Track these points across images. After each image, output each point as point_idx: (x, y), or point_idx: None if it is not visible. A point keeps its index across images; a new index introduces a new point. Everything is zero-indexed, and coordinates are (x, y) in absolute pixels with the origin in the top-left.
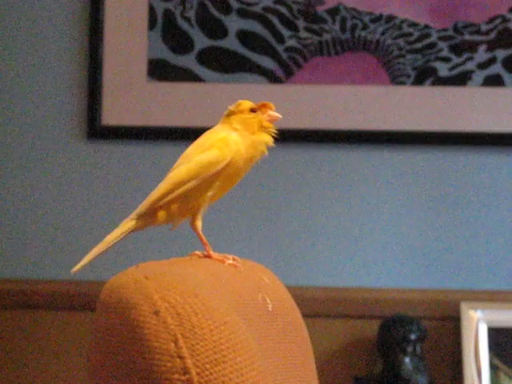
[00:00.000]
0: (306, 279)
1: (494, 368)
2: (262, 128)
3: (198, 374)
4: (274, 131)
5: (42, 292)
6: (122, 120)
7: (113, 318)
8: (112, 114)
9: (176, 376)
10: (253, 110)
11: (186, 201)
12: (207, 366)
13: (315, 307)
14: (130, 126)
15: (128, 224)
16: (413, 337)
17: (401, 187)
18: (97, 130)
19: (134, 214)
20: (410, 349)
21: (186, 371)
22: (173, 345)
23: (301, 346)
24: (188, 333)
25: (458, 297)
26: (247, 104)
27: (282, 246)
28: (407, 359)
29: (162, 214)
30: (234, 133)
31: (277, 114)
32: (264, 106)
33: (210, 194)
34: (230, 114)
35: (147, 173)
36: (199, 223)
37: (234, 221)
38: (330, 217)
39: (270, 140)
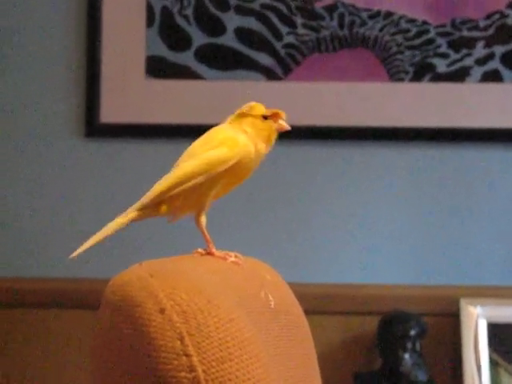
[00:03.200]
0: (305, 276)
1: (493, 364)
2: (268, 136)
3: (204, 371)
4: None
5: (38, 290)
6: (121, 118)
7: (117, 316)
8: (110, 112)
9: (182, 374)
10: (264, 117)
11: (189, 196)
12: (213, 363)
13: (315, 304)
14: (128, 124)
15: (130, 214)
16: (412, 333)
17: (400, 183)
18: (95, 128)
19: (136, 205)
20: (409, 345)
21: (192, 369)
22: (179, 343)
23: (303, 343)
24: (194, 330)
25: (457, 293)
26: (260, 109)
27: (281, 243)
28: (407, 355)
29: (164, 208)
30: (243, 135)
31: (286, 125)
32: (276, 114)
33: (214, 191)
34: (242, 115)
35: (146, 170)
36: (203, 220)
37: (235, 218)
38: (329, 213)
39: (270, 147)
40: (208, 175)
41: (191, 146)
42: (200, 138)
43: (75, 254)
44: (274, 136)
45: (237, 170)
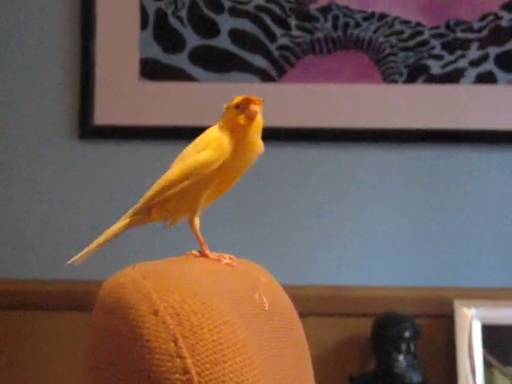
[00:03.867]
0: (299, 278)
1: (487, 365)
2: (239, 126)
3: (197, 373)
4: (259, 128)
5: (35, 292)
6: (114, 120)
7: (111, 318)
8: (104, 114)
9: (176, 376)
10: (237, 106)
11: (181, 200)
12: (207, 365)
13: (309, 306)
14: (122, 126)
15: (124, 221)
16: (407, 335)
17: (395, 185)
18: (89, 130)
19: (130, 211)
20: (403, 347)
21: (186, 371)
22: (172, 344)
23: (296, 345)
24: (187, 332)
25: (451, 294)
26: (235, 100)
27: (275, 245)
28: (401, 357)
29: (156, 212)
30: (224, 133)
31: (255, 109)
32: (246, 101)
33: (205, 194)
34: (224, 111)
35: (140, 173)
36: (197, 222)
37: (229, 220)
38: (323, 215)
39: (258, 146)
40: (194, 179)
41: (185, 149)
42: (194, 141)
43: (72, 261)
44: (249, 123)
45: (225, 171)
